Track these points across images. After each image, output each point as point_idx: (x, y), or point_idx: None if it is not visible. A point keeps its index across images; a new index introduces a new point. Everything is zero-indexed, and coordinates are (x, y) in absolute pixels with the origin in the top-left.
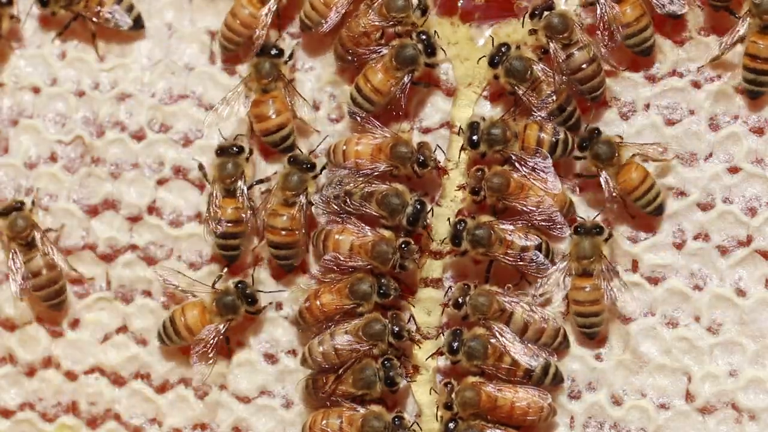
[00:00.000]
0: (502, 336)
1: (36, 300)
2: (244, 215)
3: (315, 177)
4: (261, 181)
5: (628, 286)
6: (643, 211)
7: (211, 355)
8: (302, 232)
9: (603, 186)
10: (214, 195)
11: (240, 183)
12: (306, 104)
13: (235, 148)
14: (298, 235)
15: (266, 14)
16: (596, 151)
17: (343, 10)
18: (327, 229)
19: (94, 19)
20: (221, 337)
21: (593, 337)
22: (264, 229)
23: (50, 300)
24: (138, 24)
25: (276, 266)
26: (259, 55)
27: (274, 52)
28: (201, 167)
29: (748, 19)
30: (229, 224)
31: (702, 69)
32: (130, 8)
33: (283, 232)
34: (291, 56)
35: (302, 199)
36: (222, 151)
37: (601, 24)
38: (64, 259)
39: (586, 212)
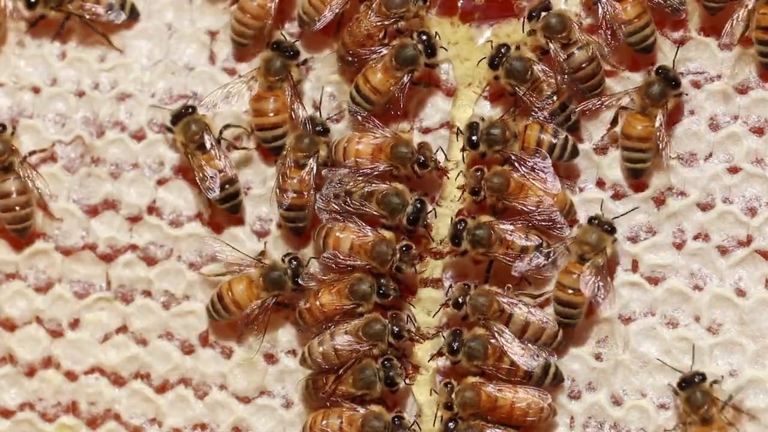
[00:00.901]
0: (501, 337)
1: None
2: (221, 163)
3: (327, 140)
4: (228, 126)
5: (615, 290)
6: (626, 166)
7: (256, 330)
8: (311, 195)
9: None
10: (192, 160)
11: (207, 136)
12: (304, 112)
13: (188, 109)
14: (307, 198)
15: (271, 4)
16: (649, 91)
17: (338, 9)
18: (328, 226)
19: (87, 17)
20: (269, 312)
21: (570, 327)
22: (274, 191)
23: (15, 224)
24: (134, 14)
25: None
26: (274, 50)
27: (288, 52)
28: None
29: None
30: (221, 173)
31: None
32: (123, 2)
33: (294, 195)
34: (305, 61)
35: (312, 161)
36: (177, 117)
37: (604, 22)
38: (46, 183)
39: (587, 212)
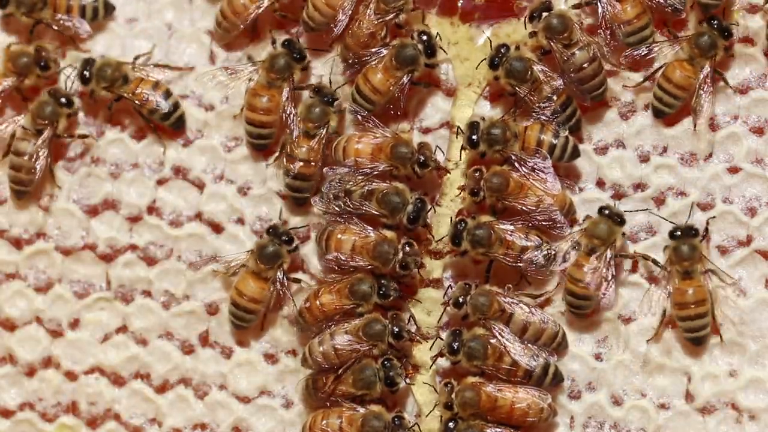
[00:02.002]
0: (501, 336)
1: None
2: (153, 77)
3: (338, 112)
4: (138, 57)
5: (615, 293)
6: (653, 104)
7: (285, 309)
8: (319, 165)
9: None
10: (126, 96)
11: (125, 68)
12: (296, 127)
13: (89, 62)
14: (315, 168)
15: (255, 8)
16: (699, 40)
17: (350, 11)
18: (329, 228)
19: (55, 27)
20: (286, 286)
21: (579, 317)
22: (284, 159)
23: (16, 184)
24: (108, 10)
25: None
26: (283, 48)
27: (296, 54)
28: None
29: None
30: (156, 87)
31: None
32: (95, 11)
33: (302, 164)
34: (307, 67)
35: (323, 131)
36: (85, 77)
37: (603, 22)
38: (51, 167)
39: (587, 212)
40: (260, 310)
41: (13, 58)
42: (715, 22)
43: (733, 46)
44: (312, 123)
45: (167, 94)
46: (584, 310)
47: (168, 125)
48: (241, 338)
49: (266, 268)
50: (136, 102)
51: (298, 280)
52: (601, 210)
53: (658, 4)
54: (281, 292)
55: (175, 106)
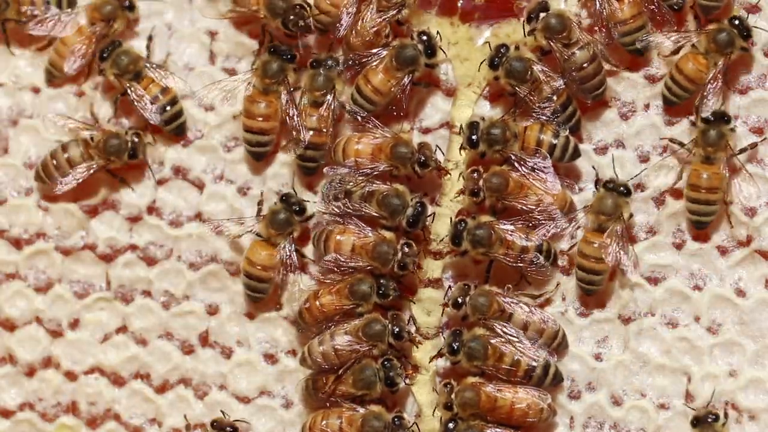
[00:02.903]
0: (505, 333)
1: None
2: (162, 82)
3: (341, 74)
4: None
5: (636, 255)
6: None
7: (292, 276)
8: (330, 132)
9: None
10: (131, 92)
11: (141, 63)
12: (302, 128)
13: (115, 43)
14: (326, 136)
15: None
16: (717, 36)
17: (353, 10)
18: (328, 229)
19: (23, 20)
20: (293, 254)
21: (590, 294)
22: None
23: (40, 174)
24: (71, 3)
25: None
26: (271, 54)
27: (286, 55)
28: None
29: None
30: (163, 91)
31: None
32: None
33: (312, 133)
34: (299, 67)
35: (329, 97)
36: (105, 53)
37: (599, 20)
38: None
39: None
40: (272, 278)
41: (99, 7)
42: (738, 20)
43: (748, 48)
44: (318, 91)
45: (173, 102)
46: (595, 286)
47: (167, 131)
48: (240, 338)
49: (276, 234)
50: (135, 103)
51: (304, 255)
52: (605, 184)
53: (652, 11)
54: (287, 262)
55: (176, 115)
